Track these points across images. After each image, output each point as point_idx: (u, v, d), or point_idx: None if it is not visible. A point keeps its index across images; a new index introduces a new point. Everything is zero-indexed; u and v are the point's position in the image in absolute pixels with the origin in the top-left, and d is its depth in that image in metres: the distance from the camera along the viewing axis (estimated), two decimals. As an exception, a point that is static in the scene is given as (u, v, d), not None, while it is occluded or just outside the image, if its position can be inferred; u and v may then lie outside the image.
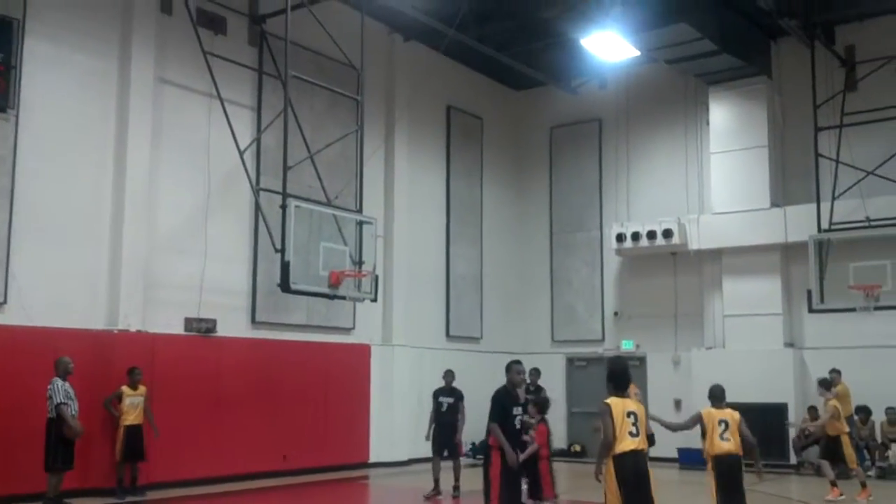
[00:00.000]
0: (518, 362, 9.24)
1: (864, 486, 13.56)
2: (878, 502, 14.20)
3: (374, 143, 18.25)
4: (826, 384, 14.42)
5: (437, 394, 13.94)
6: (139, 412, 13.27)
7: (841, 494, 13.38)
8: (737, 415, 8.96)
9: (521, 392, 9.21)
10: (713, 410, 9.03)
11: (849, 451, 13.66)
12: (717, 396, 9.16)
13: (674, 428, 9.32)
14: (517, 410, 8.87)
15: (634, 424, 7.42)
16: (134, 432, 13.19)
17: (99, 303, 13.79)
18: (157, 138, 14.69)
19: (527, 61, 20.10)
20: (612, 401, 7.50)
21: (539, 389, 14.55)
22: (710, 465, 8.87)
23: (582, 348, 21.29)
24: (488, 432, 8.84)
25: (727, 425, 8.87)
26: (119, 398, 13.18)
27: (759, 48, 19.27)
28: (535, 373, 15.05)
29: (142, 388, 13.37)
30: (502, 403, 8.81)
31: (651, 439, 7.68)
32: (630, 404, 7.54)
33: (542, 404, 11.07)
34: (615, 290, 21.47)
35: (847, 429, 13.90)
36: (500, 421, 8.77)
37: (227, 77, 15.28)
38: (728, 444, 8.79)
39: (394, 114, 19.22)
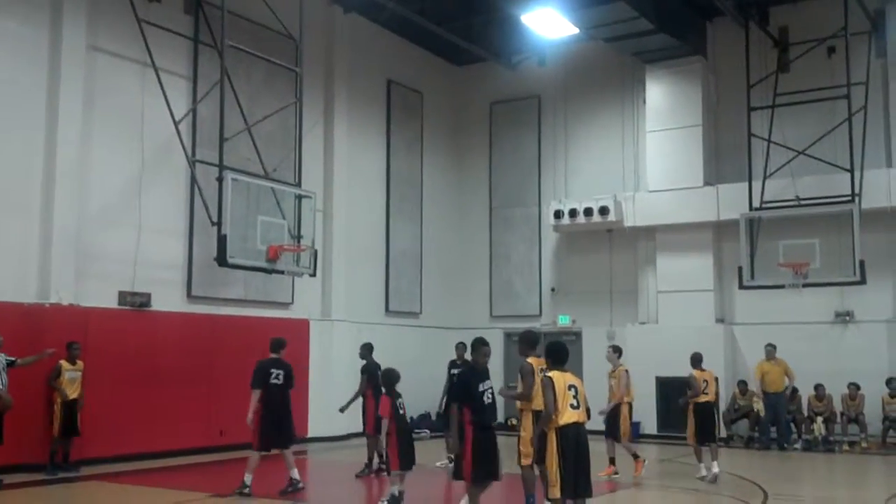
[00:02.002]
0: (485, 343, 9.00)
1: (636, 457, 13.01)
2: (802, 474, 14.69)
3: (313, 116, 18.07)
4: (619, 350, 13.58)
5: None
6: (77, 387, 13.09)
7: (615, 473, 12.79)
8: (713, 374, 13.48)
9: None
10: (697, 372, 13.07)
11: (625, 423, 12.97)
12: (698, 360, 13.29)
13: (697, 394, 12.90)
14: (485, 385, 8.67)
15: (575, 397, 7.56)
16: (73, 407, 13.00)
17: (30, 275, 13.47)
18: (90, 107, 14.35)
19: (467, 36, 20.14)
20: (555, 374, 7.61)
21: (466, 363, 14.48)
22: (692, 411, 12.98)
23: (519, 323, 21.37)
24: (459, 409, 8.64)
25: (707, 383, 13.05)
26: (59, 374, 12.93)
27: (694, 28, 19.56)
28: (463, 347, 14.85)
29: (79, 363, 13.16)
30: (467, 383, 8.70)
31: (587, 413, 7.86)
32: (571, 378, 7.66)
33: (386, 377, 10.69)
34: (552, 266, 21.72)
35: (629, 399, 13.04)
36: (466, 400, 8.62)
37: (161, 46, 14.95)
38: (707, 396, 13.01)
39: (333, 87, 19.05)
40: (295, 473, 11.45)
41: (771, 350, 17.44)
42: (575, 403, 7.54)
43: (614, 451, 13.02)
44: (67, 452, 13.13)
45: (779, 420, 17.35)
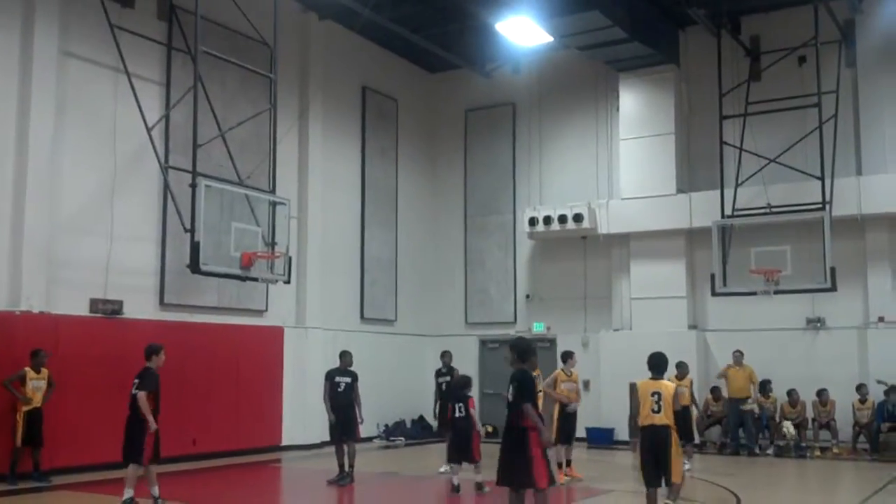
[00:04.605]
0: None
1: (560, 466, 12.77)
2: (774, 479, 14.80)
3: (288, 123, 18.02)
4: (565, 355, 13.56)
5: (333, 374, 13.35)
6: (41, 396, 12.89)
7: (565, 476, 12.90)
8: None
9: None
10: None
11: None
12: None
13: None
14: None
15: (657, 402, 8.93)
16: (35, 417, 12.80)
17: (0, 282, 13.33)
18: (62, 114, 14.22)
19: (442, 44, 20.20)
20: (641, 382, 9.17)
21: (451, 370, 14.63)
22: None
23: (494, 330, 21.54)
24: (519, 414, 8.29)
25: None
26: (22, 380, 12.73)
27: (667, 37, 19.72)
28: (449, 355, 15.06)
29: (44, 372, 12.97)
30: (531, 386, 8.57)
31: (677, 416, 8.99)
32: (657, 385, 8.99)
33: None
34: (527, 273, 21.77)
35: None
36: (532, 402, 8.51)
37: (134, 51, 14.87)
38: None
39: (308, 93, 19.00)
40: (155, 491, 10.90)
41: (738, 356, 17.61)
42: (656, 408, 8.93)
43: (563, 455, 13.00)
44: (37, 462, 12.94)
45: (745, 424, 17.49)
